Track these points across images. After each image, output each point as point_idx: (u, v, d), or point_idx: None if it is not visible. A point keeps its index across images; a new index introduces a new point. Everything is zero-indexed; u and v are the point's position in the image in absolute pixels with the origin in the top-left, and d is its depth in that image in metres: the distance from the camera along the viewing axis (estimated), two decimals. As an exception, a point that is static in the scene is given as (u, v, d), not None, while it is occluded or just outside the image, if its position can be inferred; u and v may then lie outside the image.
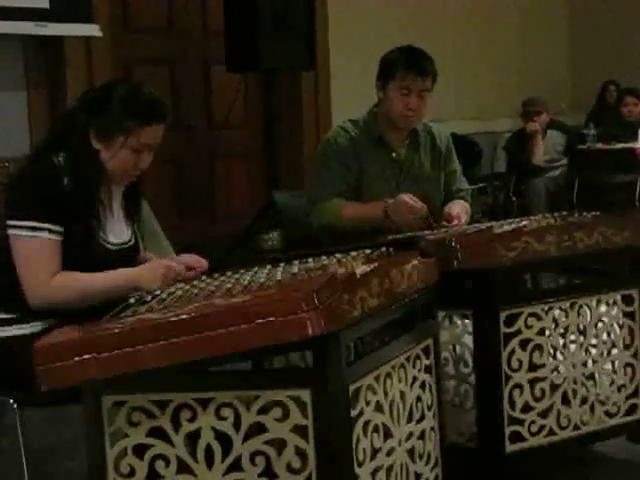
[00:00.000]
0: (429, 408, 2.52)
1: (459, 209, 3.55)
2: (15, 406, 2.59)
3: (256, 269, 2.58)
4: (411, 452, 2.41)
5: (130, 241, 2.82)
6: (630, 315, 3.12)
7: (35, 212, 2.59)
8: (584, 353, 3.04)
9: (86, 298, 2.59)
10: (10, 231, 2.62)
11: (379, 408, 2.26)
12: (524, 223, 3.14)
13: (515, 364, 2.89)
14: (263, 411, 2.08)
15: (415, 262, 2.50)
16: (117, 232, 2.77)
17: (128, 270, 2.64)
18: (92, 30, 5.21)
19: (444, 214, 3.50)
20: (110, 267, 2.65)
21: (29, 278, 2.60)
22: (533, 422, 2.93)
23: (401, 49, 3.57)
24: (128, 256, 2.78)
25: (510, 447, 2.89)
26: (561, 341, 2.99)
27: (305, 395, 2.05)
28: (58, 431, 3.45)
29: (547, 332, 2.96)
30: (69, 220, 2.62)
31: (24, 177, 2.69)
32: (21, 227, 2.60)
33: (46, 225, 2.59)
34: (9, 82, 5.09)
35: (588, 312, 3.04)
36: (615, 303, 3.10)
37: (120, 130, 2.64)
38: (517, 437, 2.90)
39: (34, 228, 2.59)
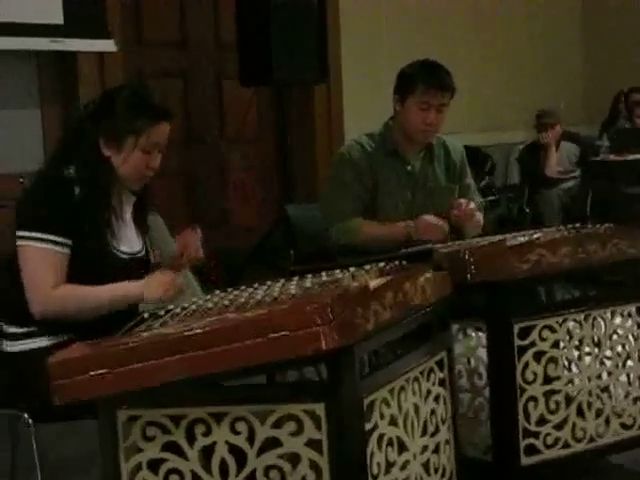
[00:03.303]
0: (443, 421, 2.51)
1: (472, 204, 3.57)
2: (30, 420, 2.59)
3: (269, 283, 2.58)
4: (426, 465, 2.40)
5: (141, 252, 2.83)
6: (645, 327, 3.11)
7: (41, 223, 2.61)
8: (599, 365, 3.03)
9: (88, 310, 2.61)
10: (17, 242, 2.64)
11: (393, 421, 2.26)
12: (538, 235, 3.14)
13: (529, 376, 2.88)
14: (277, 425, 2.08)
15: (428, 275, 2.50)
16: (129, 242, 2.78)
17: (131, 283, 2.66)
18: (107, 45, 5.22)
19: (454, 204, 3.52)
20: (122, 277, 2.67)
21: (32, 288, 2.62)
22: (548, 435, 2.92)
23: (421, 63, 3.56)
24: (139, 267, 2.79)
25: (525, 460, 2.88)
26: (576, 353, 2.98)
27: (319, 409, 2.05)
28: (73, 446, 3.44)
29: (561, 344, 2.95)
30: (81, 230, 2.63)
31: (34, 190, 2.72)
32: (27, 238, 2.62)
33: (51, 237, 2.60)
34: (23, 98, 5.11)
35: (602, 324, 3.03)
36: (630, 315, 3.09)
37: (130, 132, 2.66)
38: (532, 450, 2.90)
39: (39, 239, 2.60)
